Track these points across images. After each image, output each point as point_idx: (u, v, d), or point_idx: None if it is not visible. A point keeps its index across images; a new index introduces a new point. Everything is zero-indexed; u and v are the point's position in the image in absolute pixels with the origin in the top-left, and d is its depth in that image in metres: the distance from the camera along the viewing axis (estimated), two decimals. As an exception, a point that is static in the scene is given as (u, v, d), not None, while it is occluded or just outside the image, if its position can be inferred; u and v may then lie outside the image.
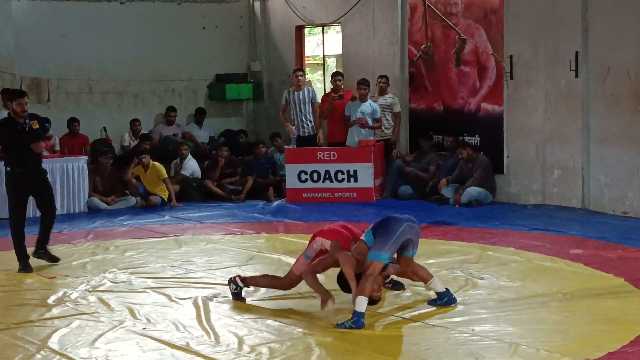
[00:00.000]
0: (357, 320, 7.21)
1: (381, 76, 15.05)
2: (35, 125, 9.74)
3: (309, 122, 15.04)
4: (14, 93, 9.91)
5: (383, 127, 14.88)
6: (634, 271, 9.01)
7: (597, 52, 12.63)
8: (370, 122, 14.60)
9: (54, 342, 7.01)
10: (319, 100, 15.36)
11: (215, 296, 8.38)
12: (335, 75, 15.53)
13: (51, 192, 10.23)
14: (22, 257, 9.76)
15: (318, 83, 20.49)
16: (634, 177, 12.36)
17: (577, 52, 12.76)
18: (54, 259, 10.00)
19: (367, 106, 14.63)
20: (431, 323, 7.37)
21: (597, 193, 12.82)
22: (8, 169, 9.82)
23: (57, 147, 15.00)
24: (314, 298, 8.02)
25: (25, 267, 9.68)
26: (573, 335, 6.99)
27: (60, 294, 8.57)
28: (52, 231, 10.17)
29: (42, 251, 10.00)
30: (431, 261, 9.50)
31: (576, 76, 12.82)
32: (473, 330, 7.11)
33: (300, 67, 16.24)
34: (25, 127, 9.69)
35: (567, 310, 7.65)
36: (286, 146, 15.30)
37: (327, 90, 16.04)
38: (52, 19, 15.80)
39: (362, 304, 7.27)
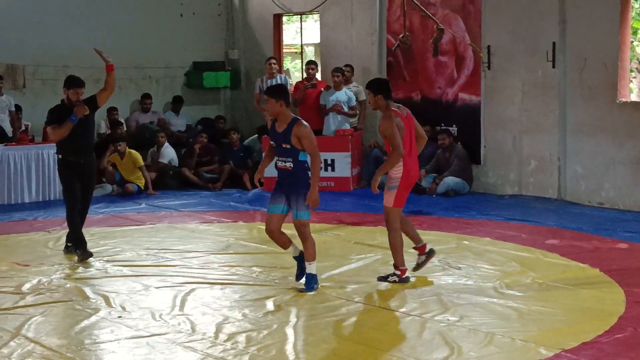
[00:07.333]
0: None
1: (346, 65, 15.07)
2: (86, 111, 9.52)
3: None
4: (72, 82, 9.68)
5: (349, 116, 14.90)
6: (610, 262, 9.07)
7: (574, 43, 12.67)
8: (345, 110, 14.60)
9: (28, 330, 6.97)
10: (290, 88, 15.36)
11: (191, 284, 8.35)
12: (309, 64, 15.53)
13: (93, 184, 10.16)
14: (81, 244, 9.57)
15: (296, 72, 20.46)
16: (609, 168, 12.42)
17: (554, 43, 12.79)
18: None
19: (342, 94, 14.63)
20: (406, 312, 7.38)
21: (574, 184, 12.89)
22: (60, 156, 9.67)
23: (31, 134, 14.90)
24: (285, 288, 8.05)
25: (84, 254, 9.48)
26: (548, 325, 7.02)
27: (35, 281, 8.52)
28: (27, 218, 10.06)
29: (70, 244, 9.79)
30: (408, 250, 9.51)
31: (553, 67, 12.86)
32: (448, 320, 7.13)
33: (274, 56, 16.21)
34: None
35: (543, 300, 7.68)
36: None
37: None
38: (28, 5, 15.65)
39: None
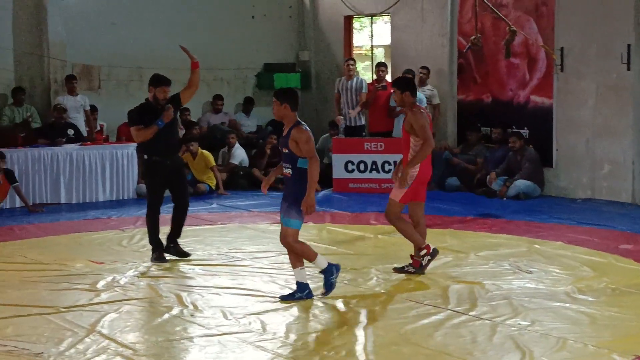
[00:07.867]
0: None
1: (422, 67, 15.01)
2: (171, 110, 9.44)
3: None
4: (159, 80, 9.54)
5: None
6: (685, 268, 8.91)
7: (650, 45, 12.49)
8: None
9: (103, 327, 7.09)
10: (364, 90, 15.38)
11: (261, 284, 8.42)
12: (379, 65, 15.52)
13: (186, 184, 10.02)
14: (157, 247, 9.59)
15: (366, 73, 20.45)
16: (685, 173, 12.22)
17: (629, 45, 12.61)
18: (183, 254, 9.64)
19: (414, 96, 14.59)
20: (477, 315, 7.34)
21: (648, 188, 12.70)
22: (145, 156, 9.61)
23: (106, 134, 15.17)
24: (355, 289, 8.06)
25: (158, 258, 9.48)
26: (622, 331, 6.92)
27: (109, 279, 8.67)
28: (101, 217, 10.18)
29: (172, 245, 9.70)
30: (479, 253, 9.49)
31: (628, 69, 12.68)
32: (520, 324, 7.07)
33: (352, 57, 16.26)
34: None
35: (616, 306, 7.57)
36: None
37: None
38: (103, 6, 15.94)
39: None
